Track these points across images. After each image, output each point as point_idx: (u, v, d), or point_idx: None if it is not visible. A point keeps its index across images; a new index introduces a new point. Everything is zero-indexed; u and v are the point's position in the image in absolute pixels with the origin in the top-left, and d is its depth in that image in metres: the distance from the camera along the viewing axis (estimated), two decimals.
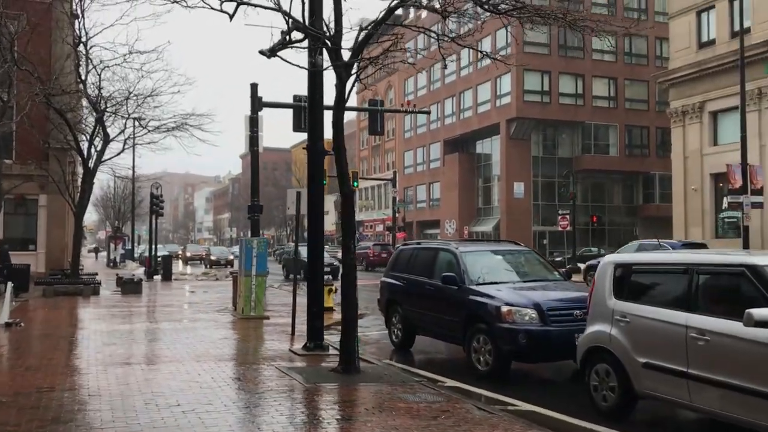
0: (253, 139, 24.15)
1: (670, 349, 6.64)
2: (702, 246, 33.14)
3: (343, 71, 9.06)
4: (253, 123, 24.25)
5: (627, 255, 8.16)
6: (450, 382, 9.33)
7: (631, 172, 59.04)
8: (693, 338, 6.38)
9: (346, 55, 9.24)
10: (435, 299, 10.90)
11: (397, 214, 53.77)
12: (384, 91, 70.33)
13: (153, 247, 33.95)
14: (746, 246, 28.87)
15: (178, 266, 50.26)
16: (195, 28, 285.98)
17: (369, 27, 9.14)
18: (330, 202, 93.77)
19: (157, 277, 33.03)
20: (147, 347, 11.86)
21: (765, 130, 32.53)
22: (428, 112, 35.90)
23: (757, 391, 5.76)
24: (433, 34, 9.96)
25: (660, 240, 20.17)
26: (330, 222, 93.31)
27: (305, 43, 9.83)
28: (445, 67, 51.39)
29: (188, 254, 63.78)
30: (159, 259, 34.53)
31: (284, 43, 7.93)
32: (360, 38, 9.17)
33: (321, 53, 10.04)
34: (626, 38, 57.31)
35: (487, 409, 7.42)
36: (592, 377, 7.63)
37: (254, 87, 24.39)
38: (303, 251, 29.47)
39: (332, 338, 12.74)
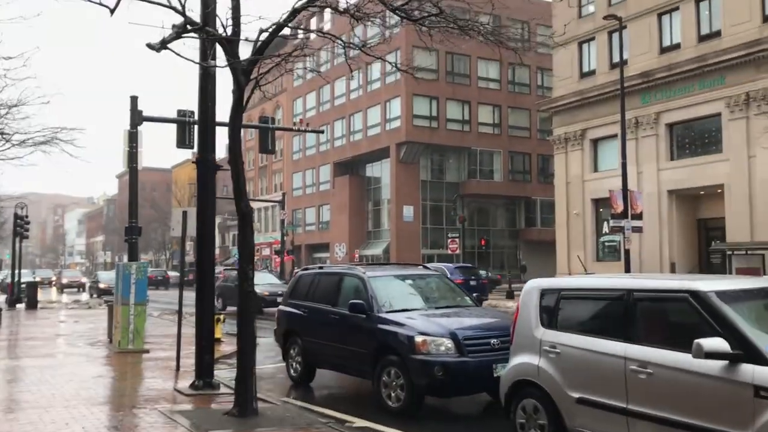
0: (132, 155, 22.38)
1: (607, 383, 6.10)
2: (472, 268, 33.77)
3: (241, 74, 8.10)
4: (132, 138, 22.49)
5: (556, 279, 7.64)
6: (359, 422, 8.45)
7: (514, 197, 60.71)
8: (633, 371, 5.87)
9: (244, 58, 8.28)
10: (340, 329, 10.02)
11: (285, 237, 52.42)
12: (273, 110, 68.94)
13: (17, 272, 30.92)
14: (627, 269, 29.93)
15: (50, 294, 46.51)
16: (67, 31, 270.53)
17: (271, 29, 8.25)
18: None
19: (21, 306, 30.08)
20: (5, 390, 10.17)
21: (642, 157, 34.09)
22: (322, 131, 35.16)
23: (706, 429, 5.28)
24: (339, 41, 9.23)
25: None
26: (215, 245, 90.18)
27: (197, 44, 8.81)
28: (351, 78, 50.60)
29: (64, 280, 55.11)
30: (23, 285, 31.51)
31: (178, 34, 6.90)
32: (261, 40, 8.26)
33: (214, 55, 9.04)
34: (510, 68, 59.24)
35: None
36: (518, 414, 7.00)
37: (134, 100, 22.73)
38: (261, 278, 26.48)
39: (221, 373, 11.57)
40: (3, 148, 25.06)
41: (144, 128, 22.67)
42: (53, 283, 59.32)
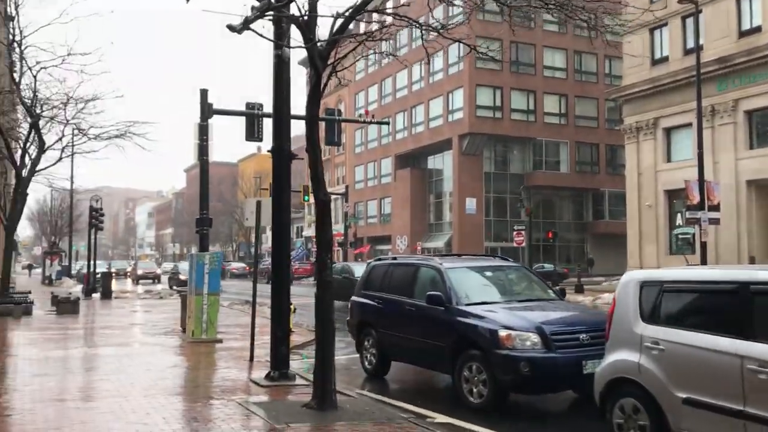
0: (203, 148, 22.57)
1: (719, 383, 5.62)
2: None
3: (318, 58, 7.88)
4: (203, 131, 22.68)
5: (656, 271, 7.15)
6: (440, 418, 8.14)
7: (581, 189, 59.26)
8: (751, 371, 5.37)
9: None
10: (417, 321, 9.72)
11: (348, 229, 52.53)
12: (335, 104, 69.17)
13: (92, 263, 31.81)
14: (704, 263, 28.71)
15: (124, 284, 47.70)
16: (139, 28, 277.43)
17: (349, 11, 7.99)
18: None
19: (96, 296, 30.94)
20: (84, 378, 10.31)
21: (719, 146, 32.62)
22: (387, 122, 34.78)
23: None
24: (415, 24, 8.91)
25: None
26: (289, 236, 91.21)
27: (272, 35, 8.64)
28: (428, 63, 49.88)
29: (140, 272, 54.02)
30: (98, 276, 32.42)
31: (262, 11, 6.69)
32: (338, 25, 8.01)
33: (289, 41, 8.85)
34: (576, 55, 57.78)
35: None
36: (615, 414, 6.56)
37: (204, 93, 22.89)
38: (356, 270, 26.10)
39: (294, 364, 11.43)
40: (80, 141, 25.77)
41: (211, 122, 22.79)
42: (128, 274, 60.01)
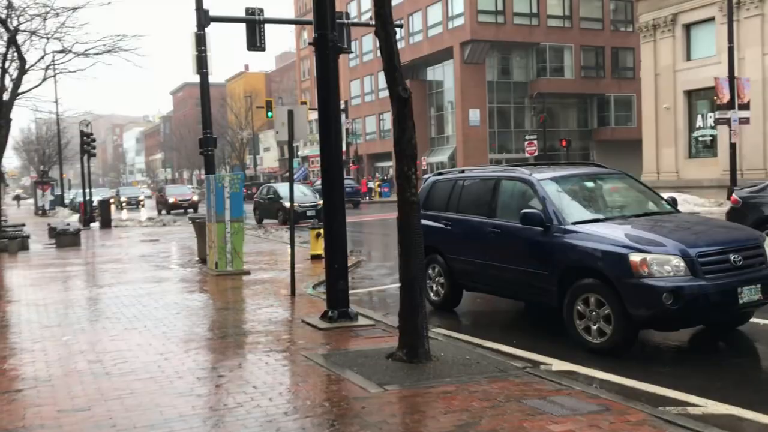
0: (201, 59, 20.45)
1: None
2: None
3: None
4: (200, 41, 20.46)
5: None
6: (558, 364, 6.59)
7: (586, 95, 57.09)
8: None
9: None
10: (503, 245, 8.05)
11: (350, 146, 50.52)
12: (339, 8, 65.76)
13: (87, 191, 29.89)
14: (733, 166, 27.12)
15: (121, 213, 45.63)
16: None
17: None
18: (271, 138, 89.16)
19: (95, 225, 29.23)
20: (105, 328, 8.54)
21: (744, 41, 30.54)
22: (401, 26, 31.98)
23: None
24: None
25: None
26: (273, 158, 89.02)
27: None
28: None
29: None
30: (95, 204, 30.60)
31: None
32: None
33: None
34: None
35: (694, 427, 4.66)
36: None
37: None
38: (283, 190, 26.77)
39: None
40: (64, 60, 23.37)
41: (208, 31, 20.46)
42: (141, 203, 53.02)
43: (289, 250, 11.00)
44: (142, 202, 53.50)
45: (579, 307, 6.98)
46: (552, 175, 8.04)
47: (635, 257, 6.44)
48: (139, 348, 7.30)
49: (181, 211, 40.59)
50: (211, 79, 21.59)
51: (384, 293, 11.20)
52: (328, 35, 8.15)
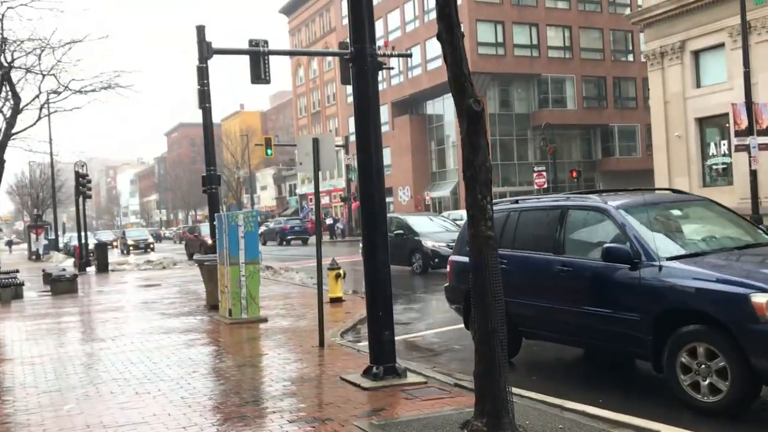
0: (203, 94, 19.47)
1: None
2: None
3: None
4: (203, 74, 19.52)
5: None
6: (666, 430, 5.42)
7: (589, 126, 56.52)
8: None
9: None
10: (577, 286, 6.93)
11: (351, 183, 49.57)
12: (336, 45, 65.43)
13: (83, 234, 28.71)
14: (755, 194, 26.17)
15: (112, 255, 44.25)
16: None
17: None
18: (268, 176, 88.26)
19: (91, 269, 27.98)
20: (114, 394, 7.35)
21: (756, 67, 29.87)
22: (410, 55, 31.19)
23: None
24: None
25: None
26: (270, 197, 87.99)
27: None
28: None
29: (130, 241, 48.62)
30: (90, 247, 29.40)
31: None
32: None
33: None
34: None
35: None
36: None
37: (201, 30, 19.73)
38: (413, 222, 21.29)
39: (361, 344, 8.76)
40: (59, 99, 22.42)
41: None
42: (151, 247, 49.71)
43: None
44: (151, 245, 49.68)
45: (683, 359, 5.83)
46: (632, 202, 6.95)
47: (760, 298, 5.32)
48: (156, 420, 6.09)
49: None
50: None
51: (424, 340, 10.02)
52: (366, 49, 7.12)
